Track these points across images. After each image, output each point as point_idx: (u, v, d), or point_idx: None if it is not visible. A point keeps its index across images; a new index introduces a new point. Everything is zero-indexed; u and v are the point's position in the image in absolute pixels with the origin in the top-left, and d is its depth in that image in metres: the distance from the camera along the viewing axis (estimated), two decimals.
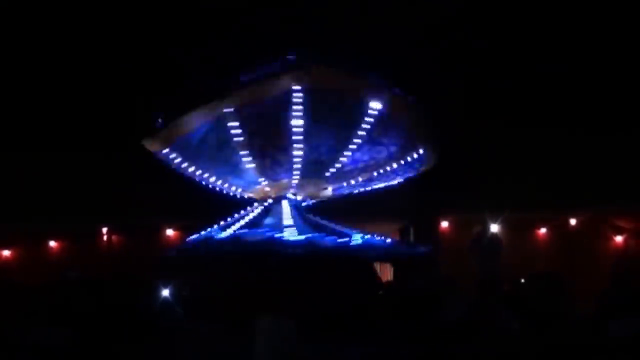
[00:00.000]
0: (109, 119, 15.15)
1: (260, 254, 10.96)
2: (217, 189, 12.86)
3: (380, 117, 11.57)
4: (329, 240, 11.79)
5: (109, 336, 9.70)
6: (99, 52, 15.13)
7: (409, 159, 12.40)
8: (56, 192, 15.23)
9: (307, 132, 11.27)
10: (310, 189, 12.53)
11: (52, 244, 16.41)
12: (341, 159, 11.86)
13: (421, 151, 12.35)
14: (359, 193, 13.18)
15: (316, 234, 11.88)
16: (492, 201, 14.89)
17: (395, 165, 12.45)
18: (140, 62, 14.88)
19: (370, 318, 9.82)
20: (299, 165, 11.76)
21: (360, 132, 11.60)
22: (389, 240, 12.90)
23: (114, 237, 16.60)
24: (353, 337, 9.23)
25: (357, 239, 11.91)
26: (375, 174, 12.53)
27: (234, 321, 9.83)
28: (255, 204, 12.88)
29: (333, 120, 11.37)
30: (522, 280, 12.74)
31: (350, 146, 11.73)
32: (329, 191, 12.78)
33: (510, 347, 8.70)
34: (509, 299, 10.70)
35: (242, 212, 12.80)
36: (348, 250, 11.67)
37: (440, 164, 13.49)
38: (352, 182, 12.59)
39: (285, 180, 12.18)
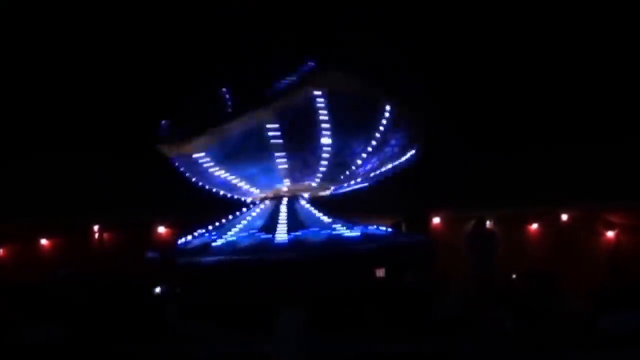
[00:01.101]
0: (101, 118, 15.13)
1: (256, 257, 11.00)
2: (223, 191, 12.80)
3: (392, 117, 11.76)
4: (322, 234, 11.80)
5: (102, 334, 9.70)
6: (95, 53, 15.10)
7: (404, 158, 12.55)
8: (47, 190, 15.19)
9: (334, 135, 11.42)
10: (315, 189, 12.61)
11: (44, 242, 16.35)
12: (358, 161, 12.01)
13: (413, 150, 12.51)
14: (352, 191, 13.18)
15: (309, 231, 11.87)
16: (483, 197, 14.96)
17: (390, 165, 12.57)
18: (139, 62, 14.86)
19: (365, 316, 9.84)
20: (324, 168, 11.90)
21: (377, 134, 11.77)
22: (389, 230, 12.91)
23: (105, 235, 16.56)
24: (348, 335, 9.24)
25: (355, 232, 11.92)
26: (372, 174, 12.64)
27: (231, 320, 9.87)
28: (255, 205, 12.84)
29: (353, 123, 11.53)
30: (514, 276, 12.81)
31: (369, 148, 11.89)
32: (328, 191, 12.84)
33: (503, 345, 8.73)
34: (503, 297, 10.74)
35: (238, 214, 12.77)
36: (343, 245, 11.66)
37: (432, 159, 13.50)
38: (352, 182, 12.70)
39: (306, 183, 12.28)
